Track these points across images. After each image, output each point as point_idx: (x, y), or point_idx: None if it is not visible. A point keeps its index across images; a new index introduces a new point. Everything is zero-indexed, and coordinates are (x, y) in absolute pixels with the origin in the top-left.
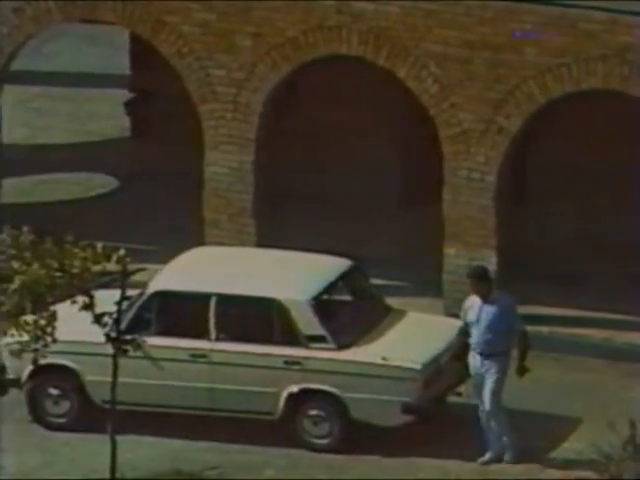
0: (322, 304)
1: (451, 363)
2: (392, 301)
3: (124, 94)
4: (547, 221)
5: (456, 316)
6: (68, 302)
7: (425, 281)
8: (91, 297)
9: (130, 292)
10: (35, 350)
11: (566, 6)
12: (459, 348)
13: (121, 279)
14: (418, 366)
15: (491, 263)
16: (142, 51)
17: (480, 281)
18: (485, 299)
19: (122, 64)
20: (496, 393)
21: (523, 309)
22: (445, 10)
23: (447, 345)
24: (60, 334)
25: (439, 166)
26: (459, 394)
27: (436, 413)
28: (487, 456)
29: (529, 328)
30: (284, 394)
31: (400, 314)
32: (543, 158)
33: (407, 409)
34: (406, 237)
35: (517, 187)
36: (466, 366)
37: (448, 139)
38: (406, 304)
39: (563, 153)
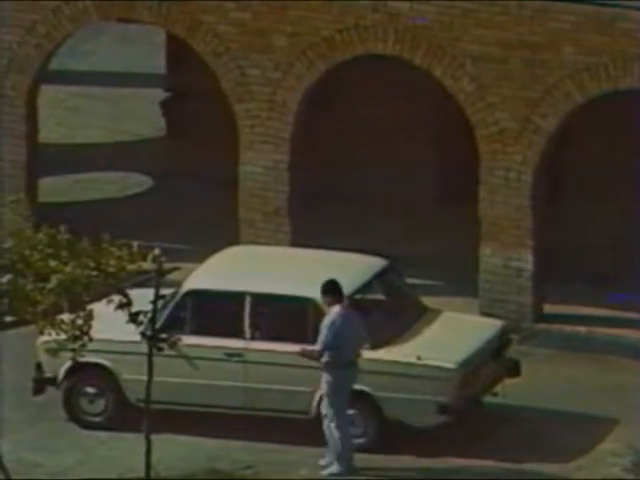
0: (357, 303)
1: (487, 363)
2: (427, 300)
3: (160, 93)
4: (583, 221)
5: (492, 316)
6: (104, 301)
7: (461, 281)
8: (127, 296)
9: (165, 291)
10: (72, 349)
11: (603, 5)
12: (495, 348)
13: (156, 278)
14: (453, 365)
15: (527, 262)
16: (178, 50)
17: (322, 295)
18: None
19: (158, 63)
20: (331, 404)
21: (560, 309)
22: (482, 9)
23: (483, 345)
24: (96, 333)
25: (475, 165)
26: (495, 394)
27: (472, 413)
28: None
29: (566, 328)
30: (318, 393)
31: (435, 313)
32: (579, 158)
33: (442, 409)
34: (442, 236)
35: (553, 187)
36: (502, 366)
37: (484, 138)
38: (441, 303)
39: (599, 153)
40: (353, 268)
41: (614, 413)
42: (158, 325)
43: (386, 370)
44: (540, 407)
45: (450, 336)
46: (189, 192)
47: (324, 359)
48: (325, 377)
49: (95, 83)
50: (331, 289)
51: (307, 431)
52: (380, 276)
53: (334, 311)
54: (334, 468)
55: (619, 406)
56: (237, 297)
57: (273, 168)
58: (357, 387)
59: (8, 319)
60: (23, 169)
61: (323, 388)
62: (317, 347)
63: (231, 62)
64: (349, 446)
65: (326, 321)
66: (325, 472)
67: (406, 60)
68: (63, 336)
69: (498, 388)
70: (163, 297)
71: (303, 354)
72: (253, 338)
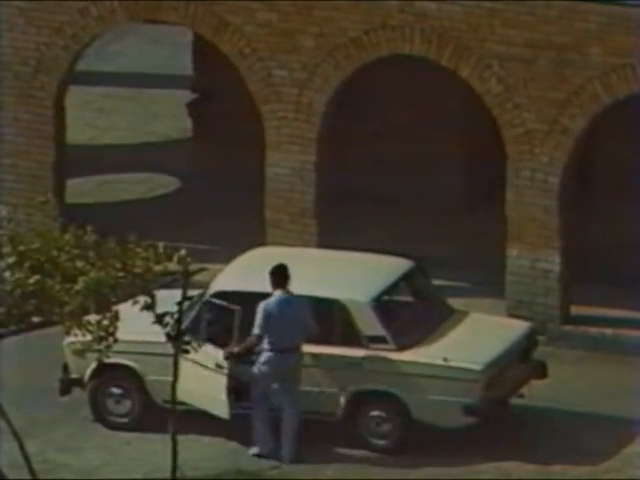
0: (383, 305)
1: (514, 364)
2: (454, 302)
3: (187, 94)
4: (611, 222)
5: (518, 317)
6: (130, 302)
7: (487, 282)
8: (153, 297)
9: (191, 292)
10: (98, 350)
11: (631, 5)
12: (522, 349)
13: (183, 279)
14: (479, 367)
15: (554, 264)
16: (205, 51)
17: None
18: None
19: (185, 64)
20: (257, 389)
21: (587, 310)
22: (509, 9)
23: (510, 346)
24: (122, 334)
25: (502, 166)
26: (522, 396)
27: (498, 415)
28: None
29: (593, 330)
30: (345, 395)
31: (462, 315)
32: (607, 159)
33: (469, 411)
34: (468, 238)
35: (580, 188)
36: (529, 368)
37: (512, 139)
38: (468, 305)
39: (627, 154)
40: (379, 269)
41: None
42: (184, 326)
43: (413, 372)
44: (567, 409)
45: (477, 338)
46: (215, 193)
47: (262, 344)
48: (259, 361)
49: (122, 84)
50: (274, 273)
51: (333, 432)
52: (406, 277)
53: (273, 295)
54: (255, 449)
55: None
56: (263, 298)
57: (300, 169)
58: (383, 388)
59: (35, 320)
60: (51, 170)
61: (256, 372)
62: (255, 331)
63: (258, 63)
64: (268, 430)
65: (260, 305)
66: (250, 451)
67: (433, 61)
68: (89, 337)
69: (525, 390)
70: (190, 298)
71: (236, 354)
72: None
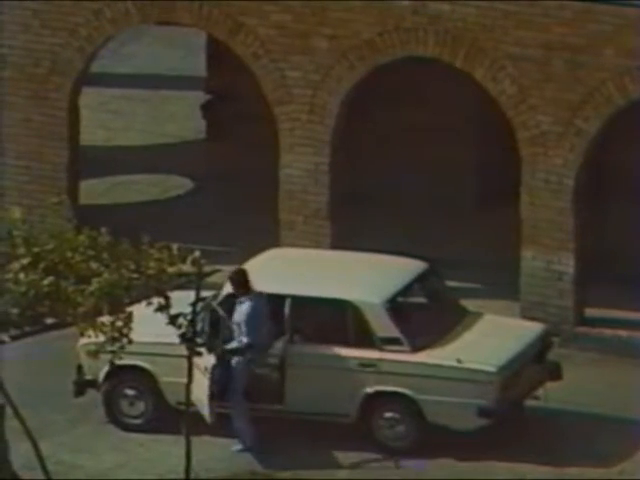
0: (397, 306)
1: (528, 366)
2: (468, 303)
3: (201, 96)
4: (625, 223)
5: (533, 319)
6: (144, 303)
7: (502, 284)
8: (166, 298)
9: (205, 293)
10: (112, 351)
11: None
12: (537, 351)
13: (196, 280)
14: (493, 368)
15: (568, 265)
16: (218, 53)
17: (232, 285)
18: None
19: (199, 66)
20: (236, 391)
21: (601, 312)
22: (523, 11)
23: (524, 348)
24: (136, 335)
25: (516, 168)
26: (536, 397)
27: (513, 416)
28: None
29: (608, 331)
30: (359, 396)
31: (476, 317)
32: (621, 160)
33: (483, 412)
34: (483, 239)
35: (595, 190)
36: (544, 369)
37: (526, 141)
38: (482, 306)
39: None
40: (393, 271)
41: None
42: (198, 328)
43: (427, 373)
44: (581, 410)
45: (491, 339)
46: (229, 194)
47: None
48: (238, 361)
49: (136, 85)
50: (236, 279)
51: (347, 433)
52: (420, 279)
53: (247, 302)
54: (238, 446)
55: None
56: (277, 300)
57: (313, 171)
58: (397, 390)
59: (49, 321)
60: (65, 171)
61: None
62: (244, 340)
63: (271, 64)
64: (248, 425)
65: (243, 312)
66: (233, 448)
67: (447, 62)
68: (103, 338)
69: (539, 391)
70: (203, 299)
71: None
72: (293, 341)
